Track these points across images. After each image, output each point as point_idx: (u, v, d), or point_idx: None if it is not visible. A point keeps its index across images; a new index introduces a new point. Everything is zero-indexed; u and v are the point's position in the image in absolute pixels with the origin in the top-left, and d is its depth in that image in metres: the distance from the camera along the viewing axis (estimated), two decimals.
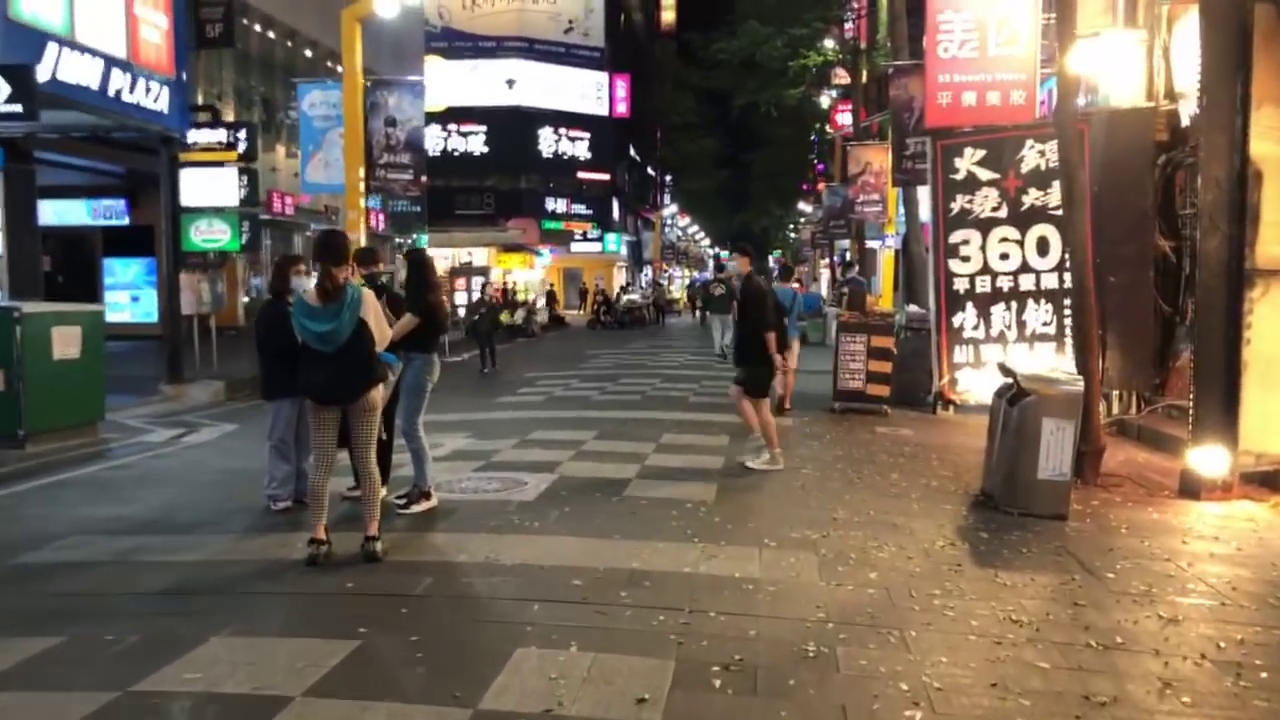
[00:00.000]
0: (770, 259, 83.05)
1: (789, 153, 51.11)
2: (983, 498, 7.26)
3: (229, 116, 17.97)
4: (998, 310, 11.85)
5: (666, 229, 66.61)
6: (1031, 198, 11.69)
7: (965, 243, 11.92)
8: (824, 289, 47.19)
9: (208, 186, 14.49)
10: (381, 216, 36.19)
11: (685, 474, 7.82)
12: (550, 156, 50.62)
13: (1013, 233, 11.77)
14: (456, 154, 49.03)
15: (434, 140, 48.17)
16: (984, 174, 11.87)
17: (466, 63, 48.01)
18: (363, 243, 14.12)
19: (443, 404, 12.56)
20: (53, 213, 22.80)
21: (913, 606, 4.73)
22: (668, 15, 68.13)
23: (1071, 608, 4.79)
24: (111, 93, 12.44)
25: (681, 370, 17.23)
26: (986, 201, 11.89)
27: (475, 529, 6.03)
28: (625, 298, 39.51)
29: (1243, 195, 7.13)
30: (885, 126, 27.17)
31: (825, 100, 35.56)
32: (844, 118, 33.76)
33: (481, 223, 47.32)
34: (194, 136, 14.57)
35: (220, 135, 14.69)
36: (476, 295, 19.78)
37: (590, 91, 51.30)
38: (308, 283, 5.85)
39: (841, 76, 34.87)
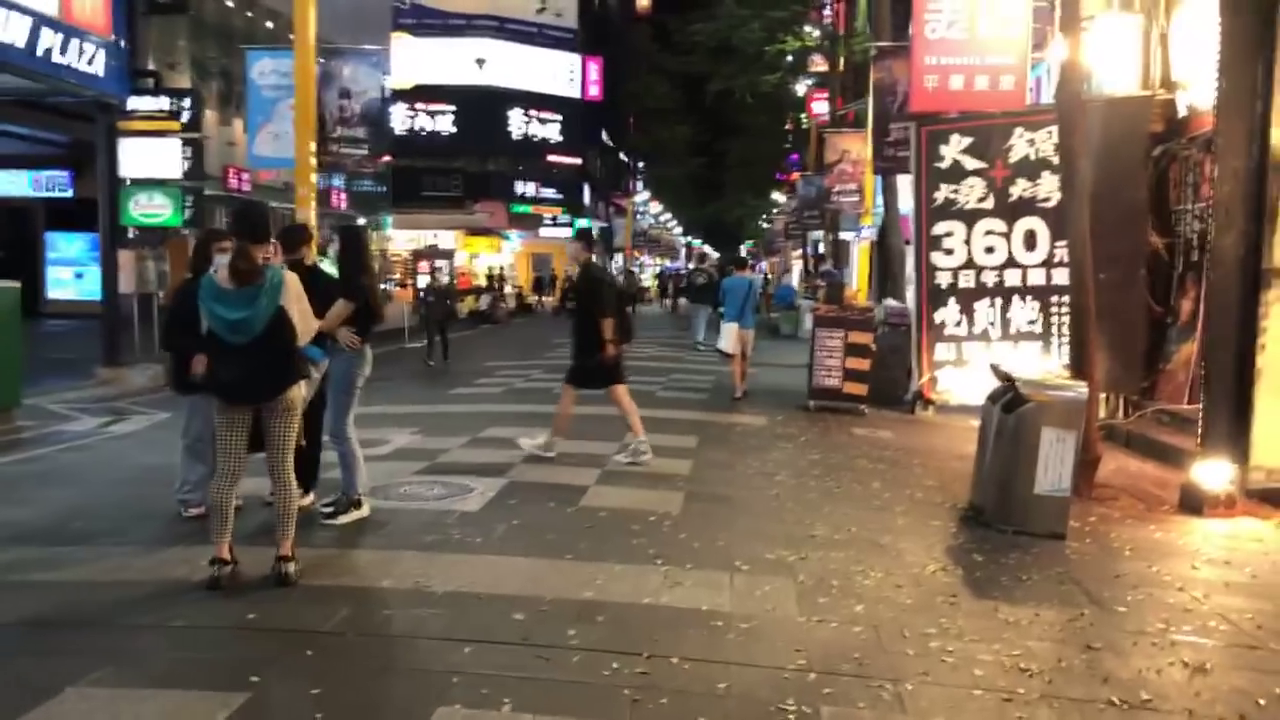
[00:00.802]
0: (743, 249, 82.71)
1: (764, 142, 50.45)
2: (972, 512, 6.66)
3: (186, 87, 16.89)
4: (982, 306, 11.32)
5: (639, 216, 65.79)
6: (1020, 189, 11.14)
7: (949, 235, 11.36)
8: (795, 280, 46.80)
9: (149, 158, 13.62)
10: (344, 196, 35.17)
11: (649, 480, 7.14)
12: (520, 138, 49.59)
13: (999, 225, 11.22)
14: (424, 133, 47.85)
15: (401, 119, 46.99)
16: (970, 163, 11.30)
17: (435, 40, 46.87)
18: (312, 222, 13.29)
19: (393, 394, 11.83)
20: None
21: (906, 650, 4.09)
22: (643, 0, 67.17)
23: (1085, 652, 4.17)
24: (40, 52, 11.50)
25: (649, 363, 16.54)
26: (972, 192, 11.33)
27: (407, 545, 5.32)
28: None
29: (1261, 188, 6.55)
30: (862, 115, 26.63)
31: (801, 88, 34.93)
32: (819, 106, 33.15)
33: (449, 205, 46.23)
34: (135, 104, 13.65)
35: (163, 103, 13.77)
36: (426, 280, 18.01)
37: (562, 73, 50.29)
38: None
39: (818, 64, 34.26)
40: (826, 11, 28.69)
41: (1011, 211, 11.13)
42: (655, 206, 69.85)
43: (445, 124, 48.32)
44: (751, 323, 12.40)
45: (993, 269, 11.26)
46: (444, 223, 44.82)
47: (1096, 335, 7.77)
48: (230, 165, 24.36)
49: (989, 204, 11.20)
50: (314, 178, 13.32)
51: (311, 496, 6.12)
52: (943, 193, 11.40)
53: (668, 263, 71.27)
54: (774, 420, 10.41)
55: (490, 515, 5.99)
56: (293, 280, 4.71)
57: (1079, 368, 7.67)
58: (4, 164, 20.83)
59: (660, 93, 56.21)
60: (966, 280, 11.32)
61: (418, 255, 32.00)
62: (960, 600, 4.79)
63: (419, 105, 47.49)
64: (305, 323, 4.79)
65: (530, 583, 4.70)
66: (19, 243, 22.10)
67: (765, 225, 63.65)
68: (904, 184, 17.81)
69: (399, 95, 44.62)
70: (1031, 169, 11.08)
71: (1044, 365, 11.07)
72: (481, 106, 47.44)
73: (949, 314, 11.35)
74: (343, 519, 5.84)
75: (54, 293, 22.25)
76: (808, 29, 27.64)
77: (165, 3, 20.41)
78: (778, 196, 51.66)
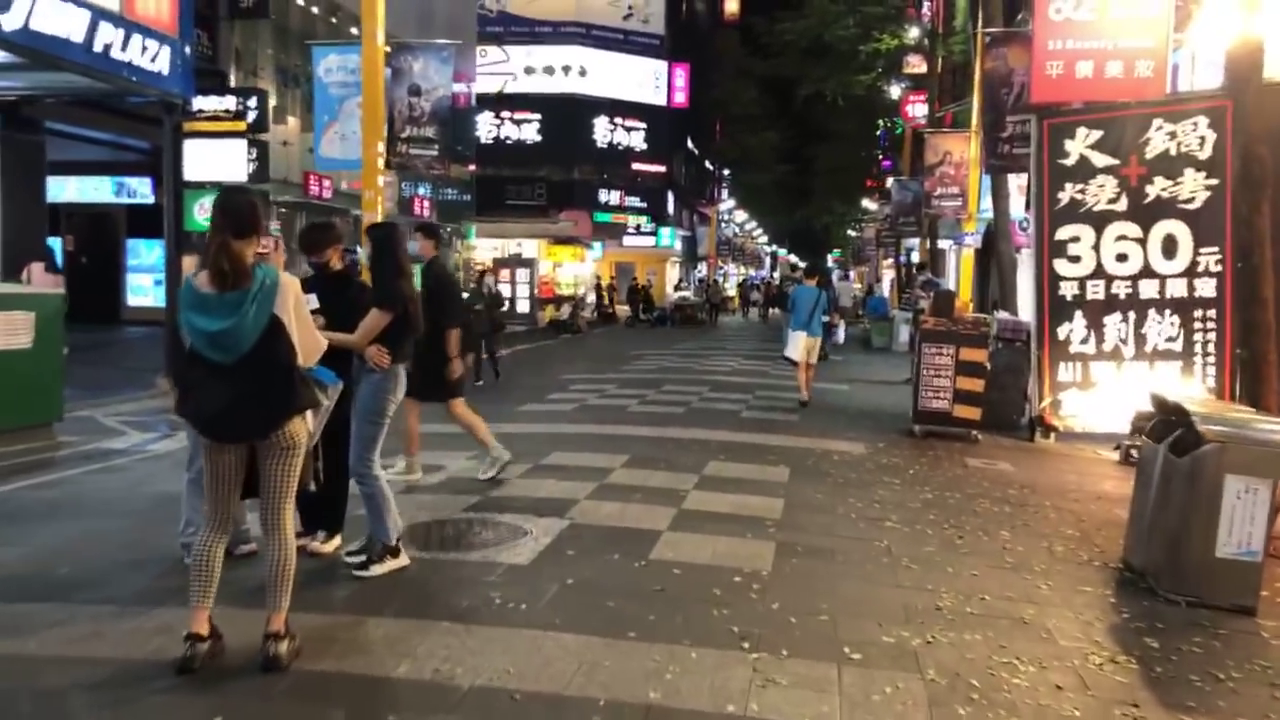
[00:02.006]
0: (829, 258, 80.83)
1: (853, 148, 48.84)
2: (1129, 574, 5.44)
3: (251, 86, 16.39)
4: (1112, 321, 9.99)
5: (723, 224, 64.59)
6: (1157, 188, 9.79)
7: (1075, 240, 10.08)
8: (886, 290, 45.03)
9: (213, 160, 13.08)
10: (427, 204, 34.89)
11: (734, 524, 6.07)
12: (605, 146, 48.98)
13: (1133, 229, 9.89)
14: (509, 142, 47.66)
15: (486, 128, 46.88)
16: (1100, 159, 10.00)
17: (522, 48, 46.64)
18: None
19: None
20: (76, 190, 21.74)
21: None
22: (731, 5, 66.07)
23: None
24: (99, 48, 10.98)
25: (732, 377, 15.46)
26: (1102, 192, 10.02)
27: (437, 612, 4.35)
28: (676, 294, 37.68)
29: None
30: (961, 117, 25.14)
31: (895, 91, 33.45)
32: (915, 109, 31.67)
33: (533, 213, 45.89)
34: (201, 104, 13.14)
35: (229, 103, 13.24)
36: (479, 285, 15.10)
37: (648, 80, 49.53)
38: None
39: (914, 65, 32.76)
40: (925, 8, 27.23)
41: (1148, 214, 9.81)
42: (740, 215, 68.60)
43: (530, 132, 48.02)
44: (819, 331, 12.43)
45: (1125, 279, 9.94)
46: (528, 231, 44.43)
47: (1239, 352, 6.46)
48: (311, 172, 24.06)
49: (1121, 205, 9.90)
50: (381, 180, 12.60)
51: (336, 542, 5.23)
52: (1068, 193, 10.12)
53: (751, 272, 69.84)
54: (875, 447, 9.24)
55: (542, 570, 5.00)
56: (290, 284, 3.79)
57: (1254, 396, 6.37)
58: (88, 170, 20.76)
59: (747, 98, 55.00)
60: (1095, 291, 10.02)
61: (498, 264, 31.41)
62: (1145, 712, 3.63)
63: (504, 114, 47.30)
64: (308, 337, 3.87)
65: (581, 674, 3.69)
66: (102, 250, 22.09)
67: (853, 234, 61.80)
68: (1015, 186, 16.42)
69: (485, 104, 44.58)
70: (1171, 166, 9.74)
71: (1185, 389, 9.72)
72: (567, 114, 47.00)
73: (1074, 329, 10.07)
74: (376, 570, 4.91)
75: (135, 300, 22.18)
76: (904, 27, 26.26)
77: (247, 6, 20.15)
78: (868, 204, 49.93)
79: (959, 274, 22.82)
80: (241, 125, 13.10)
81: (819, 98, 35.35)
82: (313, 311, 5.06)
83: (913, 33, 26.08)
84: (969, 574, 5.26)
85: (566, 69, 47.42)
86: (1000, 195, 13.41)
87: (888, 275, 48.20)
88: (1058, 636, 4.38)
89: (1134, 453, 9.30)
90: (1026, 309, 16.61)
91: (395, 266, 5.01)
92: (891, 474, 7.97)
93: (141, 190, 21.22)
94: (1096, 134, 10.02)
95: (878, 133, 47.17)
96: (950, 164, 18.96)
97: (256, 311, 3.63)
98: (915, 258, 31.69)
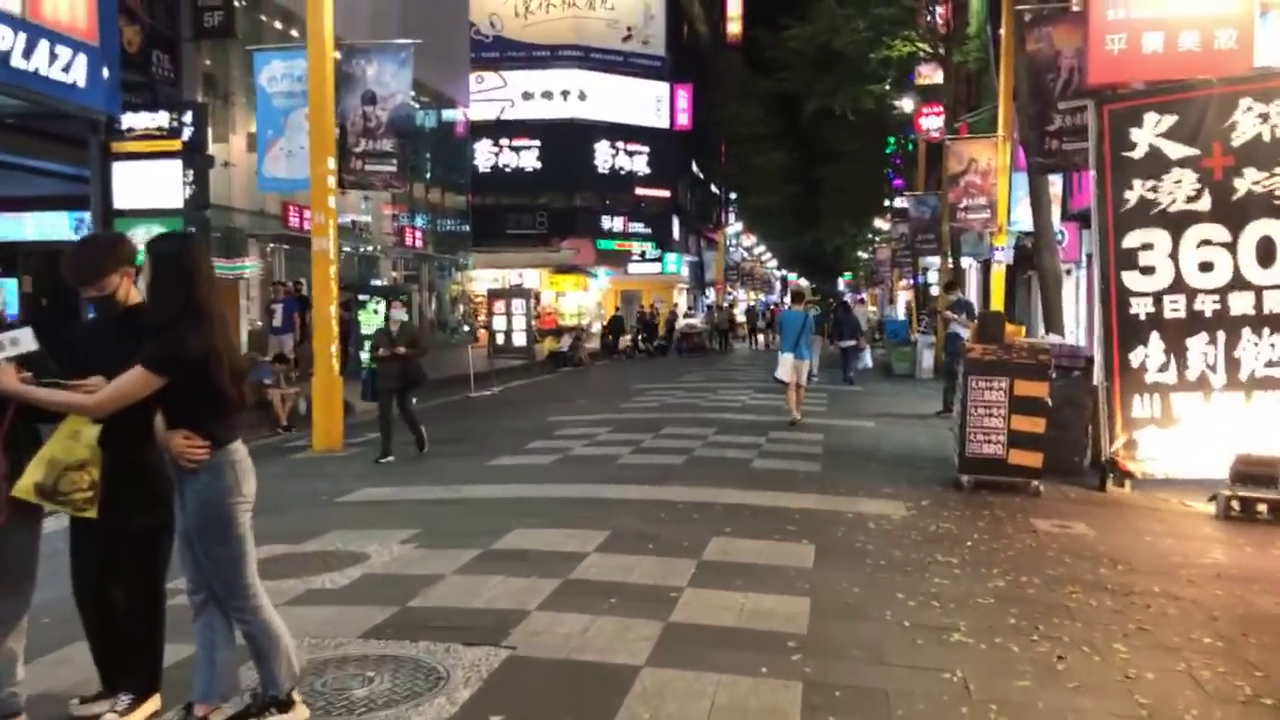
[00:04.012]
0: (840, 281, 79.09)
1: (863, 167, 47.32)
2: None
3: (188, 100, 14.68)
4: (1197, 344, 8.30)
5: (731, 249, 62.96)
6: (1248, 182, 8.15)
7: (1147, 247, 8.41)
8: (901, 313, 43.24)
9: (147, 185, 11.50)
10: (419, 235, 33.36)
11: (742, 648, 4.32)
12: (607, 172, 47.56)
13: (1219, 232, 8.23)
14: (508, 170, 46.32)
15: (484, 156, 45.53)
16: (1175, 150, 8.34)
17: (519, 73, 45.41)
18: (330, 256, 10.96)
19: (413, 468, 9.31)
20: (34, 227, 20.23)
21: None
22: (734, 27, 64.74)
23: None
24: None
25: (743, 415, 13.71)
26: (1179, 189, 8.36)
27: None
28: (684, 321, 35.95)
29: None
30: (979, 127, 23.52)
31: (908, 105, 31.93)
32: (929, 121, 30.11)
33: (534, 242, 44.52)
34: (130, 121, 11.58)
35: (161, 119, 11.68)
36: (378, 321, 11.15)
37: (650, 103, 48.17)
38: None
39: (926, 76, 31.24)
40: (938, 13, 25.62)
41: (1237, 213, 8.17)
42: (748, 239, 67.05)
43: (530, 159, 46.63)
44: (806, 354, 12.95)
45: (1211, 292, 8.26)
46: (529, 261, 43.04)
47: None
48: (292, 202, 22.59)
49: (1203, 204, 8.26)
50: (332, 201, 11.00)
51: (150, 709, 3.50)
52: (1136, 192, 8.46)
53: (761, 297, 68.12)
54: (918, 507, 7.48)
55: None
56: None
57: None
58: (42, 205, 19.19)
59: (752, 118, 53.57)
60: (1174, 308, 8.34)
61: (494, 295, 29.79)
62: None
63: (502, 141, 45.95)
64: None
65: None
66: (63, 289, 20.49)
67: (865, 255, 60.12)
68: (1056, 189, 14.73)
69: (482, 131, 43.20)
70: (1265, 154, 8.10)
71: None
72: (567, 140, 45.62)
73: (1150, 355, 8.39)
74: None
75: None
76: (915, 34, 24.68)
77: (212, 26, 18.73)
78: (880, 224, 48.27)
79: (986, 293, 21.10)
80: (176, 144, 11.54)
81: (827, 114, 33.82)
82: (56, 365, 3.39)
83: (923, 46, 24.48)
84: None
85: (565, 93, 46.09)
86: (1040, 203, 11.71)
87: (903, 297, 46.49)
88: None
89: (1235, 506, 7.55)
90: (1068, 331, 14.89)
91: (184, 302, 3.26)
92: (945, 548, 6.21)
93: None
94: (1169, 119, 8.36)
95: (888, 150, 45.66)
96: (976, 172, 17.25)
97: None
98: (934, 277, 29.98)
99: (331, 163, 10.93)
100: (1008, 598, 5.17)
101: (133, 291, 3.44)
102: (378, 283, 28.53)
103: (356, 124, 11.07)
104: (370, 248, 30.01)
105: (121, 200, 11.33)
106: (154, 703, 3.48)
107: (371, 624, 4.55)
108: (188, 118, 11.92)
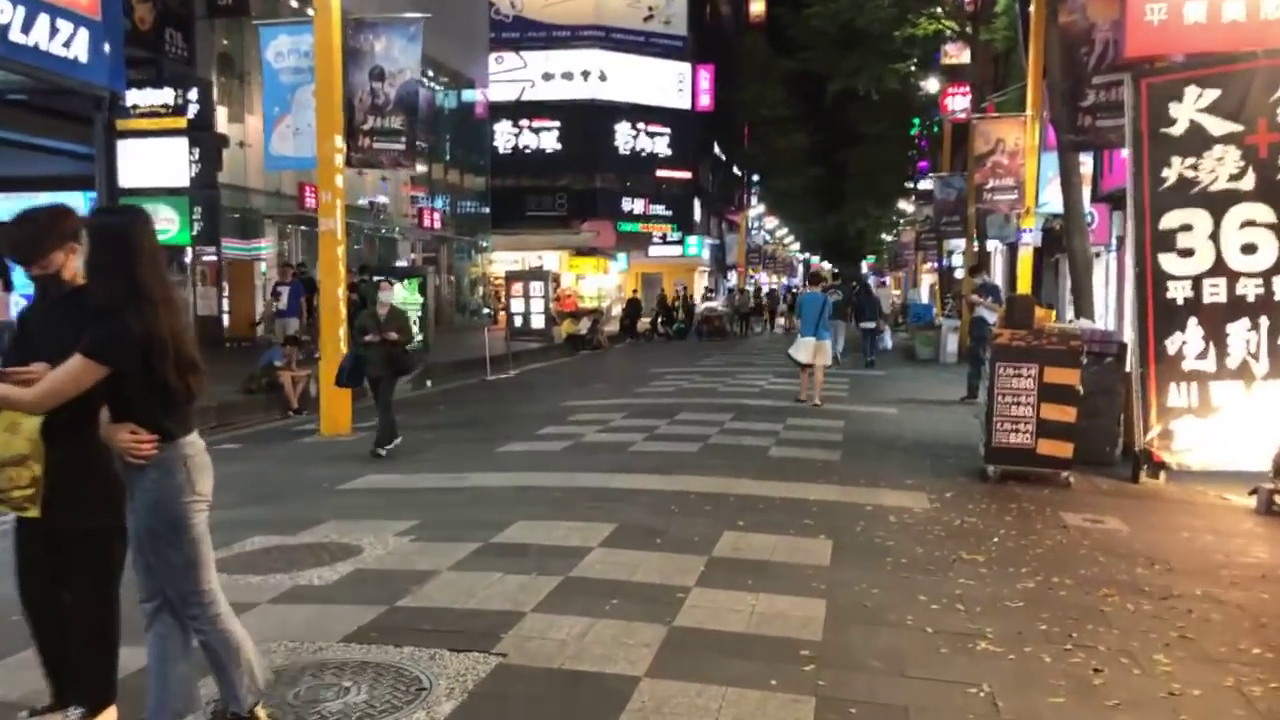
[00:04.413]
0: (864, 265, 78.21)
1: (887, 149, 46.59)
2: None
3: (195, 76, 14.37)
4: (1238, 330, 7.92)
5: (753, 232, 62.37)
6: None
7: (1186, 229, 8.01)
8: (925, 296, 42.58)
9: (151, 162, 11.26)
10: (438, 216, 33.08)
11: (751, 657, 4.00)
12: (627, 154, 47.13)
13: (1263, 212, 7.83)
14: (528, 151, 46.03)
15: (504, 137, 45.24)
16: (1217, 125, 7.93)
17: (539, 53, 44.97)
18: (337, 236, 10.69)
19: (426, 451, 9.05)
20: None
21: None
22: (756, 6, 63.99)
23: None
24: None
25: (762, 400, 13.37)
26: (1221, 167, 7.96)
27: None
28: (704, 305, 35.49)
29: None
30: (1005, 107, 22.96)
31: (933, 85, 31.29)
32: (955, 102, 29.47)
33: (554, 225, 44.21)
34: (135, 98, 11.33)
35: (166, 96, 11.42)
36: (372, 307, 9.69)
37: (671, 84, 47.62)
38: None
39: (952, 55, 30.60)
40: None
41: None
42: (770, 221, 66.38)
43: (549, 141, 46.27)
44: (826, 335, 12.98)
45: (1255, 275, 7.89)
46: (548, 243, 42.76)
47: None
48: (307, 183, 22.37)
49: (1247, 183, 7.86)
50: (340, 180, 10.74)
51: (73, 718, 3.22)
52: (1175, 170, 8.06)
53: (784, 280, 67.48)
54: (941, 499, 7.14)
55: None
56: None
57: None
58: (53, 186, 19.05)
59: (775, 100, 52.94)
60: (1214, 292, 7.96)
61: (511, 277, 29.51)
62: None
63: (522, 122, 45.58)
64: None
65: None
66: None
67: (889, 239, 59.35)
68: (1086, 168, 14.26)
69: (502, 112, 42.83)
70: None
71: None
72: (587, 121, 45.21)
73: (1188, 341, 8.01)
74: None
75: None
76: (941, 11, 24.10)
77: (226, 4, 18.51)
78: (904, 206, 47.59)
79: (1012, 277, 20.61)
80: (181, 121, 11.27)
81: (851, 95, 33.24)
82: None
83: (950, 21, 23.88)
84: None
85: (586, 74, 45.64)
86: (1071, 182, 11.25)
87: (926, 280, 45.82)
88: None
89: (1278, 500, 7.16)
90: (1097, 316, 14.41)
91: (126, 284, 2.93)
92: (970, 544, 5.87)
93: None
94: (1212, 94, 7.94)
95: (913, 132, 44.94)
96: (1004, 153, 16.78)
97: None
98: (958, 260, 29.44)
99: (339, 140, 10.64)
100: (1038, 601, 4.83)
101: (71, 269, 3.14)
102: (400, 264, 28.36)
103: (364, 101, 10.76)
104: (388, 230, 29.79)
105: (128, 179, 11.10)
106: (109, 715, 3.21)
107: (356, 625, 4.27)
108: (193, 95, 11.65)
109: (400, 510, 6.59)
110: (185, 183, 11.25)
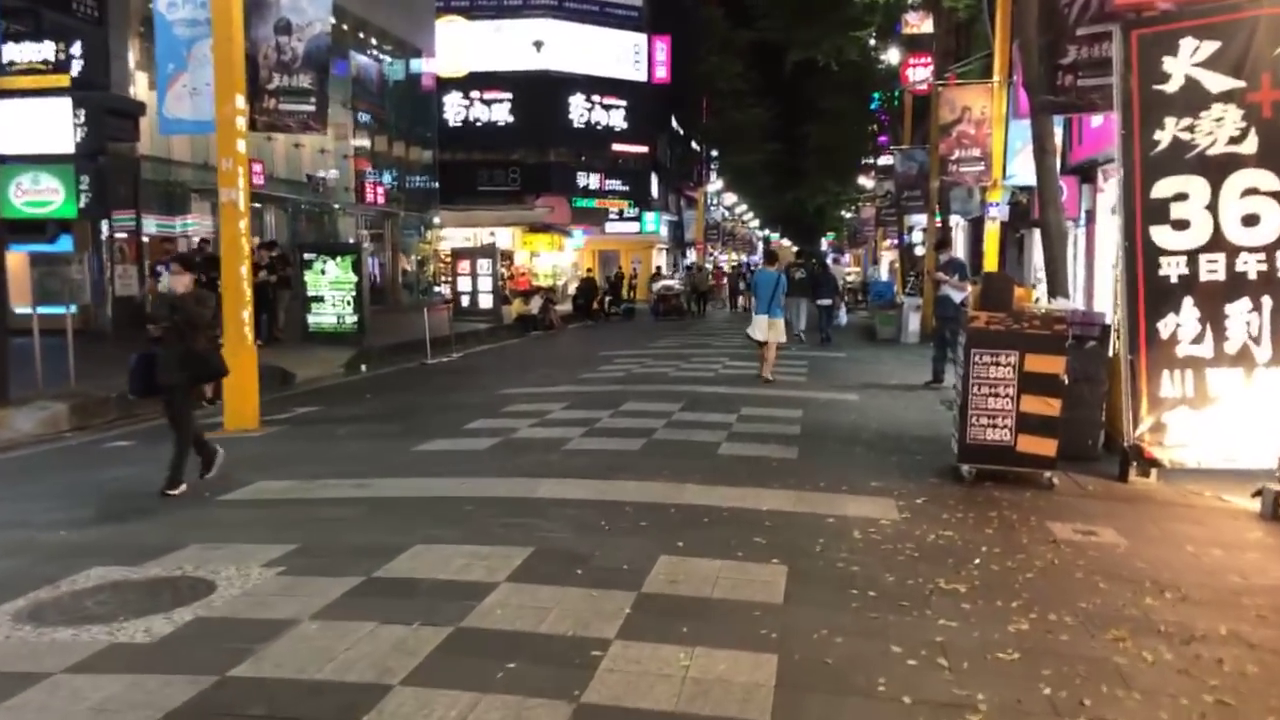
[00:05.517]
0: (824, 242, 77.59)
1: (847, 124, 45.82)
2: None
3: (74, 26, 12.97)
4: (1238, 311, 7.14)
5: (711, 208, 61.39)
6: None
7: (1180, 198, 7.19)
8: (885, 273, 41.95)
9: (31, 126, 10.03)
10: (380, 190, 31.60)
11: None
12: (582, 127, 45.87)
13: (1267, 179, 7.04)
14: (479, 124, 44.64)
15: (454, 109, 43.81)
16: (1215, 82, 7.09)
17: (490, 23, 43.46)
18: (240, 208, 9.57)
19: (338, 448, 8.03)
20: None
21: None
22: None
23: None
24: None
25: (716, 387, 12.45)
26: (1220, 128, 7.14)
27: None
28: (660, 283, 34.53)
29: None
30: (970, 77, 22.16)
31: (894, 56, 30.49)
32: (916, 73, 28.63)
33: (507, 200, 42.88)
34: (10, 54, 10.09)
35: (46, 51, 10.18)
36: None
37: (627, 55, 46.39)
38: None
39: (913, 26, 29.77)
40: None
41: None
42: (730, 197, 65.43)
43: (501, 113, 44.85)
44: (780, 313, 13.05)
45: (1257, 250, 7.11)
46: (501, 219, 41.39)
47: None
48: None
49: (1248, 146, 7.06)
50: (241, 145, 9.60)
51: None
52: (1168, 132, 7.23)
53: (743, 258, 66.62)
54: (912, 507, 6.25)
55: None
56: None
57: None
58: None
59: (733, 73, 51.86)
60: (1211, 269, 7.17)
61: (458, 254, 28.33)
62: None
63: (473, 94, 44.10)
64: None
65: None
66: None
67: (848, 215, 58.70)
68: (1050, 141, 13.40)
69: (452, 84, 41.31)
70: None
71: None
72: (540, 93, 43.83)
73: (1182, 323, 7.21)
74: None
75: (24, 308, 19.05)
76: None
77: None
78: (864, 181, 46.86)
79: (976, 253, 19.85)
80: (64, 79, 10.05)
81: (810, 68, 32.37)
82: None
83: None
84: None
85: (539, 44, 44.19)
86: (1045, 149, 10.40)
87: (887, 257, 45.18)
88: None
89: None
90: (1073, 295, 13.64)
91: None
92: (949, 569, 4.97)
93: None
94: (1211, 46, 7.10)
95: (873, 107, 44.16)
96: (970, 121, 15.94)
97: None
98: (919, 237, 28.72)
99: (240, 101, 9.48)
100: (1036, 650, 3.94)
101: None
102: (343, 242, 26.98)
103: (269, 57, 9.63)
104: (328, 205, 28.42)
105: (2, 144, 9.85)
106: None
107: (164, 711, 3.26)
108: (76, 49, 10.44)
109: (281, 530, 5.58)
110: (70, 148, 10.04)
